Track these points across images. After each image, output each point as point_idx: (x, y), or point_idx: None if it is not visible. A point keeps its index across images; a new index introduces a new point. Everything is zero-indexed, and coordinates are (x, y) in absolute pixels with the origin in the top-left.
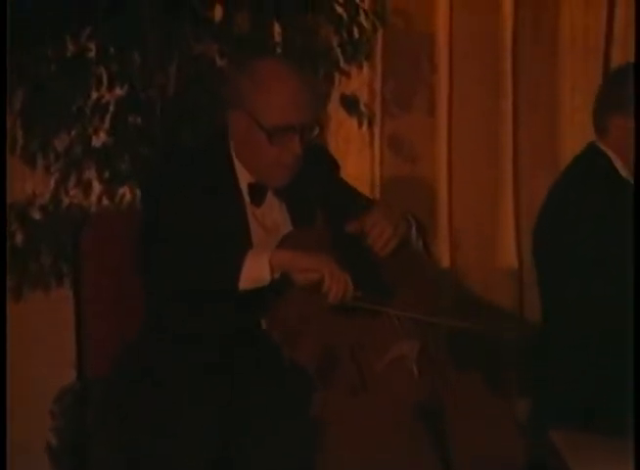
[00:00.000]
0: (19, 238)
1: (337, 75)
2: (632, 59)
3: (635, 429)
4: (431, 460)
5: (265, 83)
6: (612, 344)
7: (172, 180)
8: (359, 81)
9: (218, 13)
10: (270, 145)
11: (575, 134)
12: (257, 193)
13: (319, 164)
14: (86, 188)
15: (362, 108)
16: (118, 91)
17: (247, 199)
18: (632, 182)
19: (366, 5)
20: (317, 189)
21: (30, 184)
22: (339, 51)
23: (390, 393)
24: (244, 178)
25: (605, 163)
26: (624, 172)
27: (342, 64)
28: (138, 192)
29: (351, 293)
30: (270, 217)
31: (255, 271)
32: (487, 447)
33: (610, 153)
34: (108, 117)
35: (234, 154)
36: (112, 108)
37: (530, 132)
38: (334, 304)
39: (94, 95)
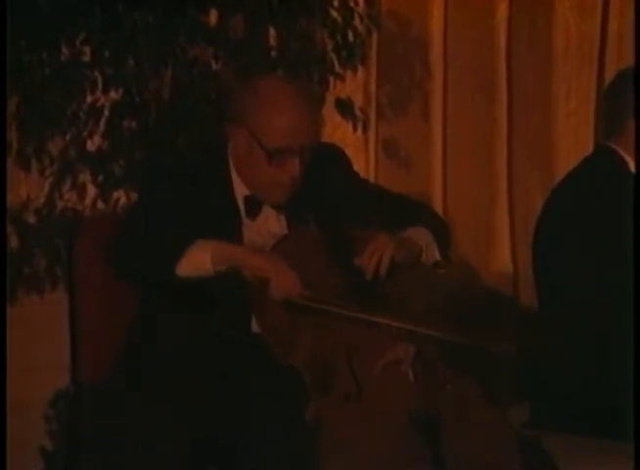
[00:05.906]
0: (13, 242)
1: (331, 79)
2: (630, 62)
3: (635, 432)
4: (425, 466)
5: (269, 104)
6: (611, 347)
7: (168, 187)
8: (354, 85)
9: (213, 17)
10: (269, 165)
11: (570, 139)
12: (253, 206)
13: (332, 163)
14: (81, 192)
15: (357, 112)
16: (113, 95)
17: (242, 211)
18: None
19: (361, 9)
20: (324, 194)
21: (25, 188)
22: (333, 55)
23: (386, 398)
24: (240, 191)
25: (619, 162)
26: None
27: (336, 67)
28: (133, 196)
29: (298, 291)
30: (265, 228)
31: (196, 260)
32: (483, 453)
33: (623, 153)
34: (102, 121)
35: (232, 167)
36: (106, 112)
37: (525, 137)
38: (279, 300)
39: (89, 99)
